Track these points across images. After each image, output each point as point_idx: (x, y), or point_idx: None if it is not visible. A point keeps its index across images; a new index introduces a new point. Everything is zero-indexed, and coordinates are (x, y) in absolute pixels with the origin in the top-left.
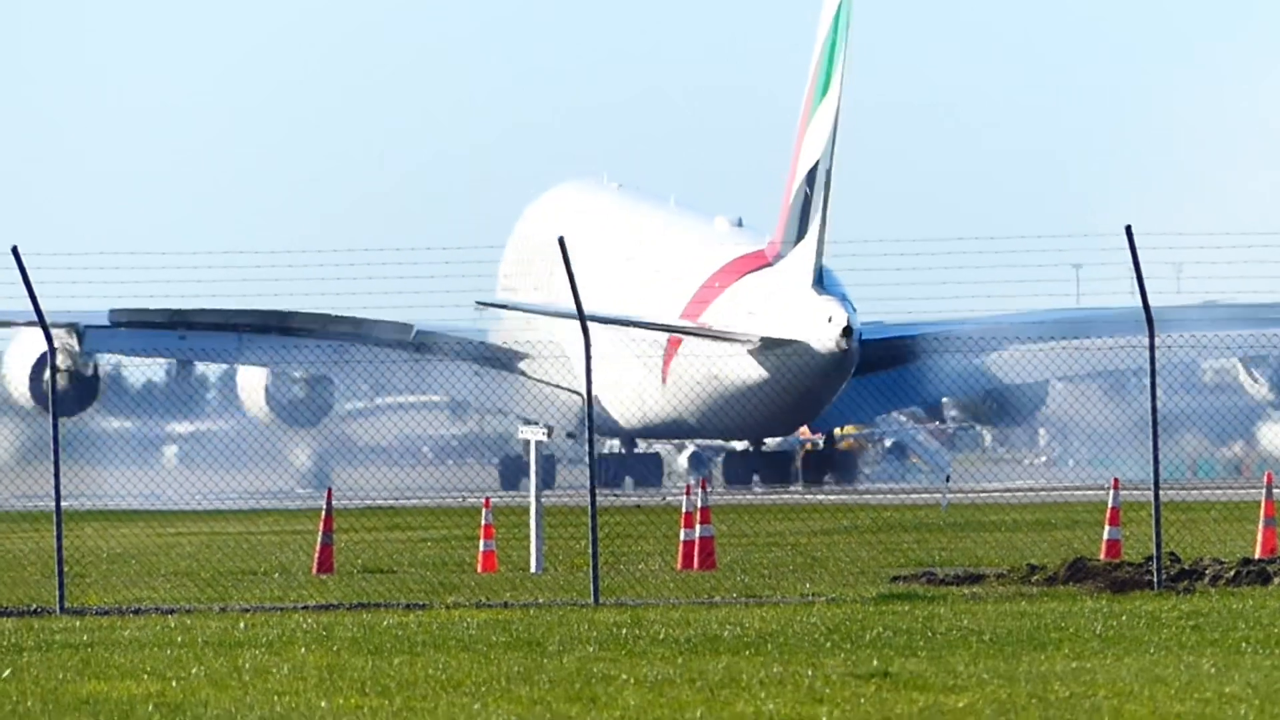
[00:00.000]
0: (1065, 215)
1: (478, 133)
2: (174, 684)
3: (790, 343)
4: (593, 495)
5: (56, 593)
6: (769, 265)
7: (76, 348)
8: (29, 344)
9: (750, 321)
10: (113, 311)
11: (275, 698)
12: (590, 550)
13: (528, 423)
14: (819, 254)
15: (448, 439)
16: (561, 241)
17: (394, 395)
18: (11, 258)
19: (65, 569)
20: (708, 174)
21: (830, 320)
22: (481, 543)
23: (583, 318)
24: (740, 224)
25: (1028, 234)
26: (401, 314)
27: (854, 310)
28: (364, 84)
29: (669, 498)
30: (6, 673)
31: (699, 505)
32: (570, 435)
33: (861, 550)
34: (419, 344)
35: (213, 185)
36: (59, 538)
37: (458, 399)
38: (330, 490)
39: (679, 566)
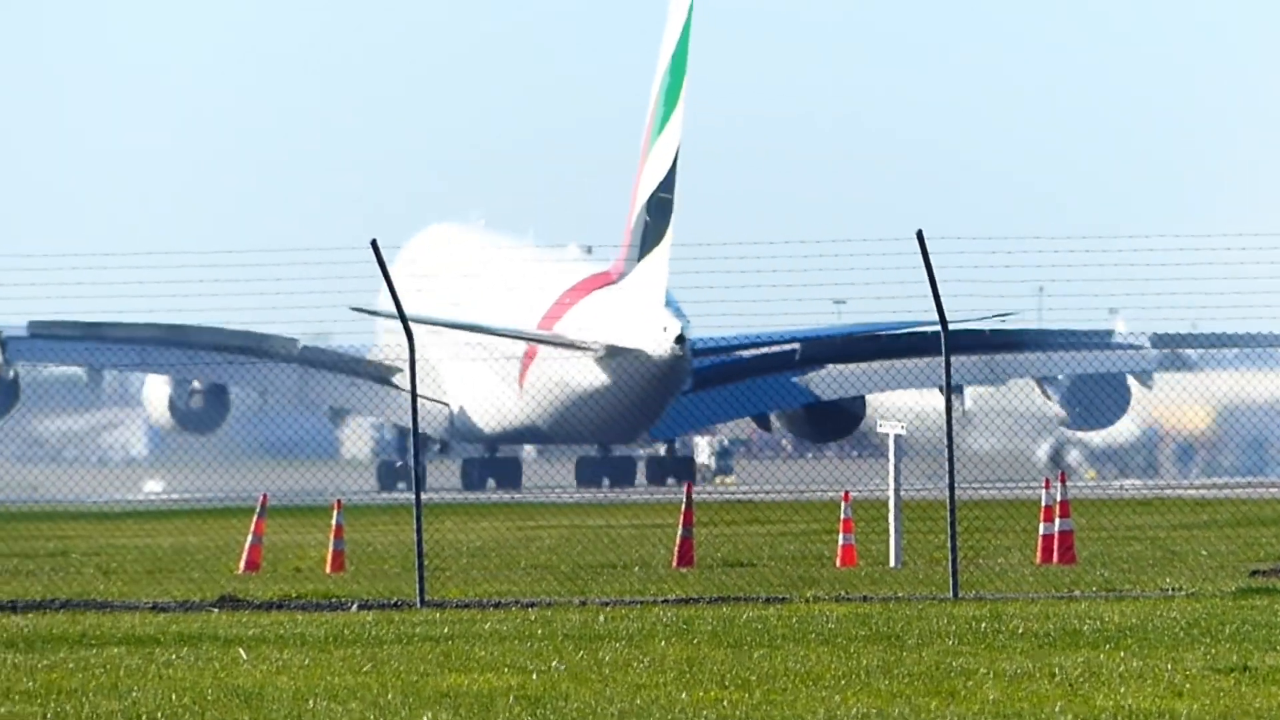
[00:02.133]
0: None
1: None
2: (534, 677)
3: (631, 350)
4: (951, 490)
5: (417, 586)
6: (614, 283)
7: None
8: None
9: (596, 332)
10: (31, 323)
11: (635, 691)
12: (949, 544)
13: (885, 418)
14: (662, 273)
15: None
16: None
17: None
18: None
19: (425, 562)
20: (566, 208)
21: (665, 330)
22: (841, 536)
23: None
24: (590, 250)
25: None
26: (288, 314)
27: (688, 322)
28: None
29: (1024, 491)
30: (367, 666)
31: (1058, 499)
32: (442, 446)
33: (1220, 544)
34: (304, 358)
35: (123, 192)
36: (419, 531)
37: (336, 407)
38: (690, 484)
39: (1038, 560)
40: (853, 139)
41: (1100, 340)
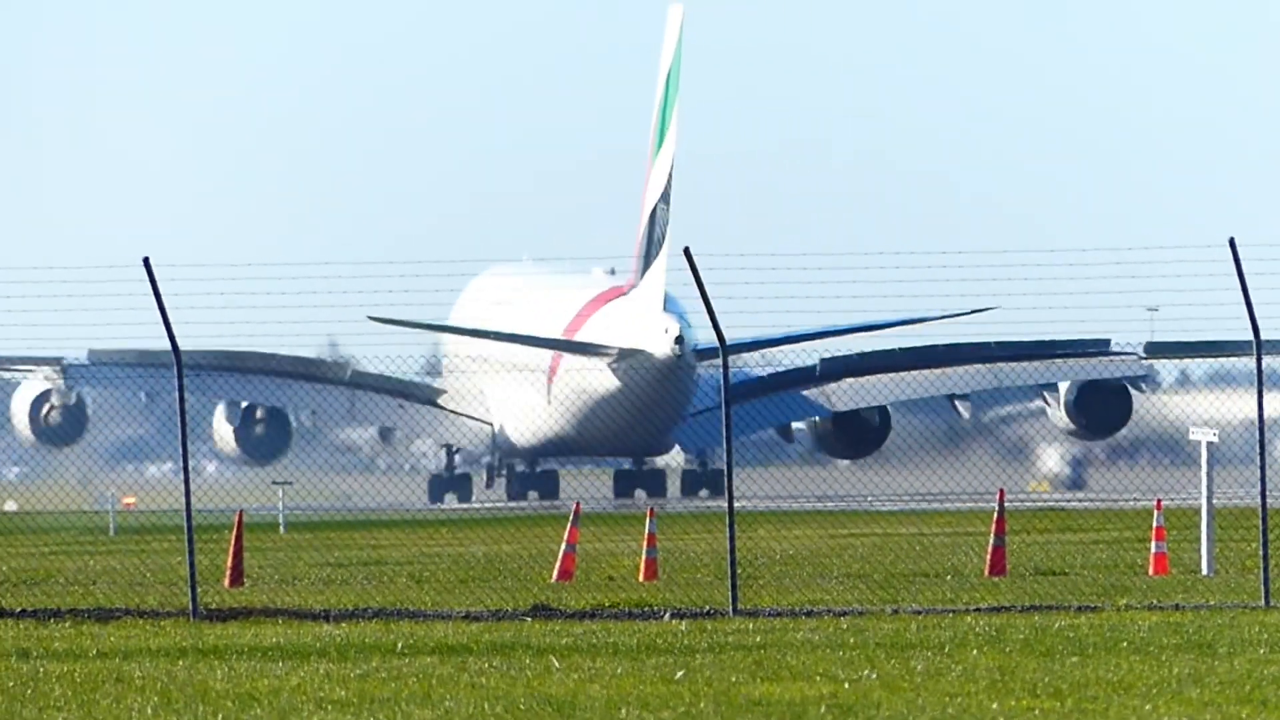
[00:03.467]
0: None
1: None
2: (846, 686)
3: (637, 352)
4: (1263, 497)
5: (729, 594)
6: (625, 295)
7: (62, 383)
8: (32, 387)
9: (608, 337)
10: (91, 351)
11: (947, 700)
12: (1261, 552)
13: (1196, 425)
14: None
15: None
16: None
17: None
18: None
19: (738, 570)
20: (600, 235)
21: (666, 331)
22: (1153, 544)
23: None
24: (613, 272)
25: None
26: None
27: (690, 325)
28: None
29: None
30: (680, 674)
31: None
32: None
33: None
34: (354, 381)
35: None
36: (731, 539)
37: (385, 426)
38: (1002, 491)
39: None
40: (860, 150)
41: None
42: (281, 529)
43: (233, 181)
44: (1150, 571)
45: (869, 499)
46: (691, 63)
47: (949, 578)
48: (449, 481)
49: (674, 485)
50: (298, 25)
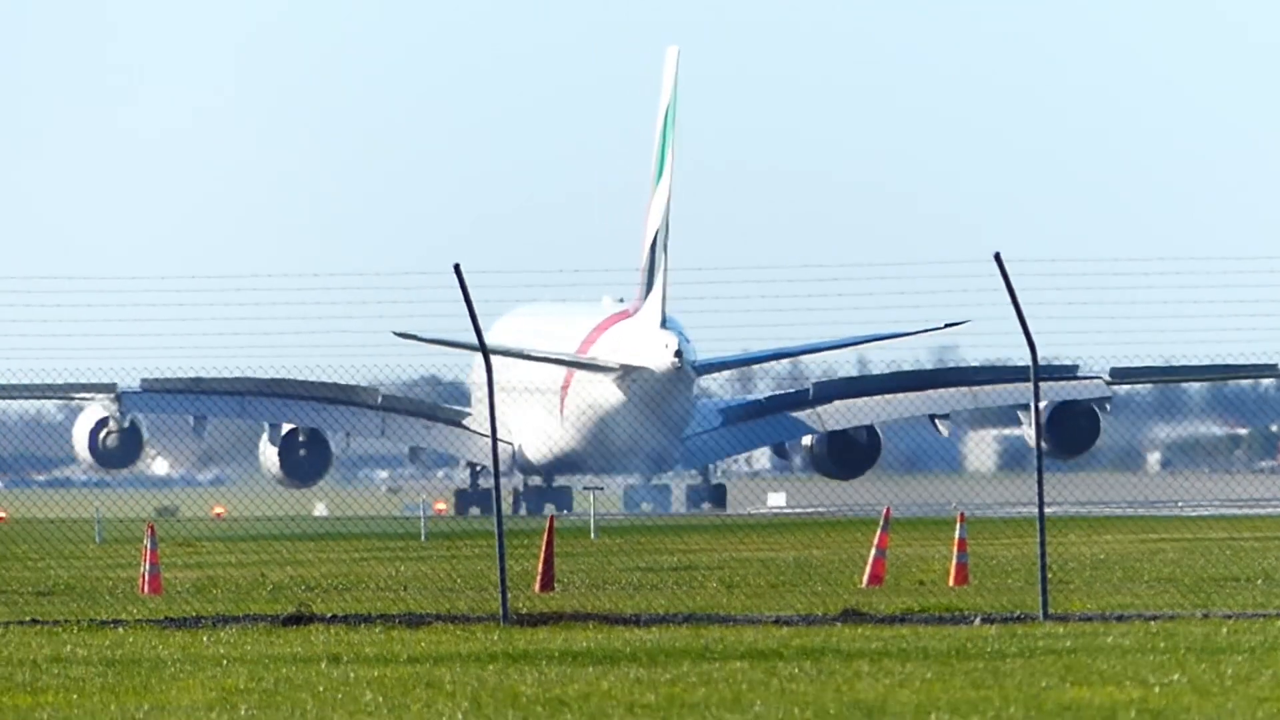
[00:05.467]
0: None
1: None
2: (1156, 690)
3: (639, 368)
4: None
5: (1040, 599)
6: (629, 318)
7: (117, 410)
8: (92, 413)
9: (614, 355)
10: (144, 380)
11: (1258, 704)
12: None
13: None
14: (663, 301)
15: None
16: (457, 268)
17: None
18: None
19: (1049, 575)
20: (613, 268)
21: (666, 347)
22: None
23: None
24: (621, 300)
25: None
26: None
27: (688, 342)
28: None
29: None
30: (989, 679)
31: None
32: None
33: None
34: (385, 405)
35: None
36: (1042, 545)
37: (414, 446)
38: None
39: None
40: (844, 169)
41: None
42: (592, 534)
43: (238, 200)
44: None
45: (1179, 504)
46: (686, 99)
47: (1260, 582)
48: (473, 496)
49: (679, 501)
50: (315, 64)
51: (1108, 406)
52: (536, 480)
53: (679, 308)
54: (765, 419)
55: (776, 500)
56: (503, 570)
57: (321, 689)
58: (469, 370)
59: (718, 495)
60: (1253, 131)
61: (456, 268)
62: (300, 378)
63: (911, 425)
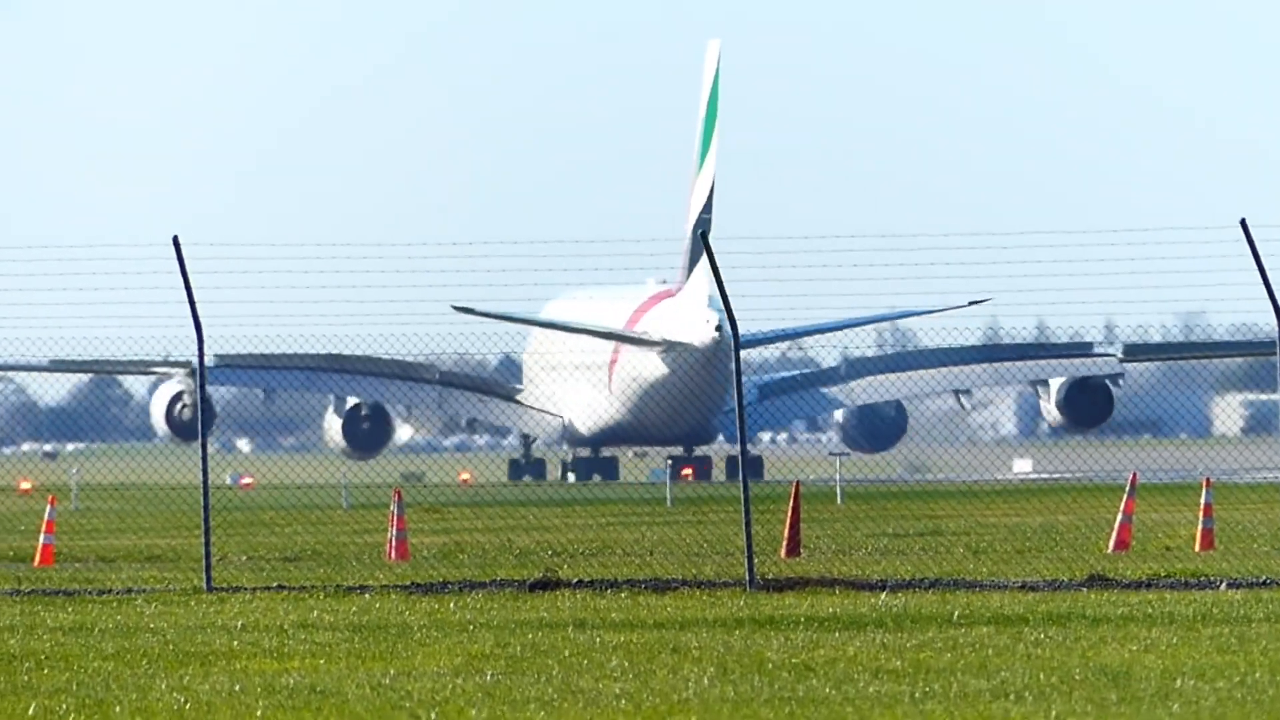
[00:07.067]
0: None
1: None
2: None
3: (682, 343)
4: None
5: None
6: (672, 297)
7: (192, 384)
8: (167, 388)
9: (659, 332)
10: (218, 356)
11: None
12: None
13: None
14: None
15: None
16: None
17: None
18: None
19: None
20: (658, 251)
21: (707, 322)
22: None
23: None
24: (664, 281)
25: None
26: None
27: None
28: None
29: None
30: (1235, 644)
31: None
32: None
33: None
34: (443, 380)
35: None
36: None
37: (470, 419)
38: None
39: None
40: (875, 141)
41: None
42: (839, 499)
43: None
44: None
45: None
46: (728, 87)
47: None
48: (525, 466)
49: (719, 471)
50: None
51: (1120, 384)
52: (585, 452)
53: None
54: (798, 394)
55: (1022, 466)
56: (749, 535)
57: (567, 654)
58: (523, 348)
59: (754, 467)
60: None
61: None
62: (361, 352)
63: (1158, 390)
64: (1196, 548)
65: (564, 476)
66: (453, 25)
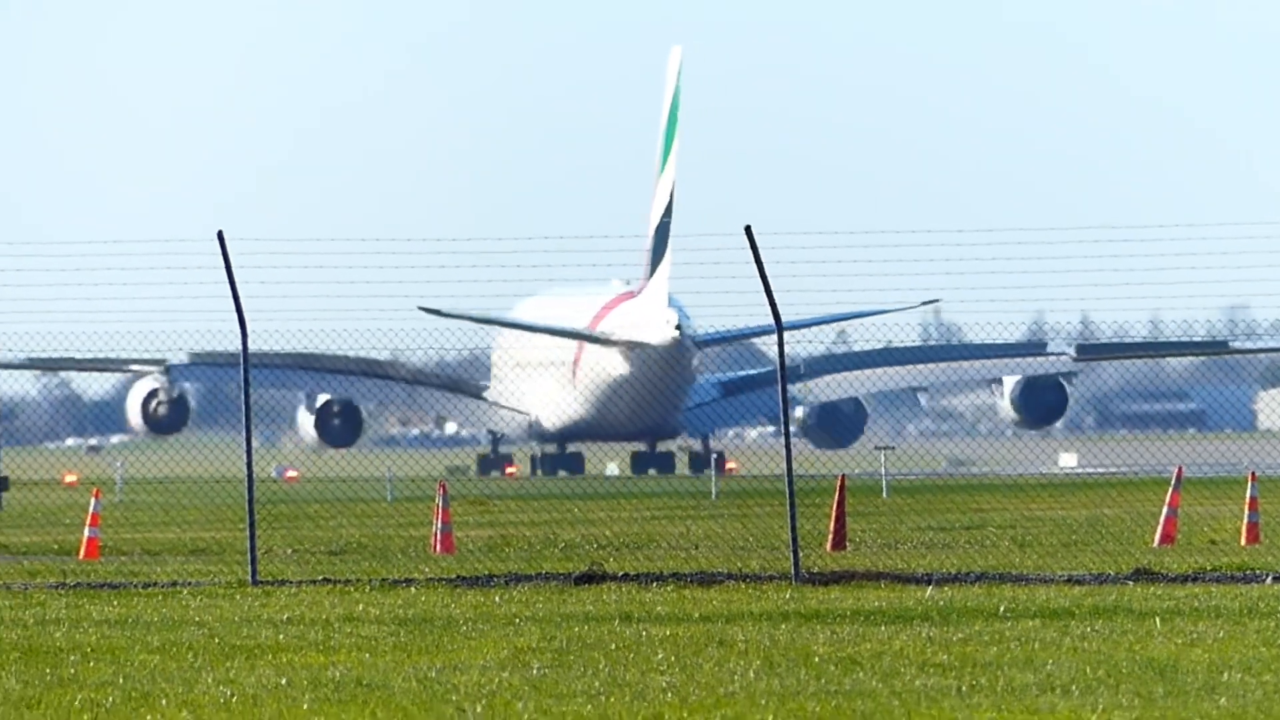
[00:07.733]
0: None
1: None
2: None
3: (643, 343)
4: None
5: None
6: (634, 297)
7: (167, 381)
8: (142, 385)
9: (621, 331)
10: (192, 354)
11: None
12: None
13: None
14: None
15: None
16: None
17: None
18: None
19: None
20: (614, 250)
21: (667, 322)
22: None
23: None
24: (628, 282)
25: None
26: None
27: (688, 318)
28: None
29: None
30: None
31: None
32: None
33: None
34: (413, 378)
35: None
36: None
37: (438, 415)
38: None
39: None
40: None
41: None
42: (884, 493)
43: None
44: None
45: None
46: (689, 95)
47: None
48: (493, 461)
49: (682, 465)
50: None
51: (1073, 382)
52: (551, 448)
53: (681, 286)
54: (759, 391)
55: (1068, 460)
56: (794, 529)
57: (614, 648)
58: (491, 349)
59: (718, 462)
60: None
61: None
62: (330, 350)
63: (1206, 386)
64: (1242, 541)
65: (532, 472)
66: (418, 31)
